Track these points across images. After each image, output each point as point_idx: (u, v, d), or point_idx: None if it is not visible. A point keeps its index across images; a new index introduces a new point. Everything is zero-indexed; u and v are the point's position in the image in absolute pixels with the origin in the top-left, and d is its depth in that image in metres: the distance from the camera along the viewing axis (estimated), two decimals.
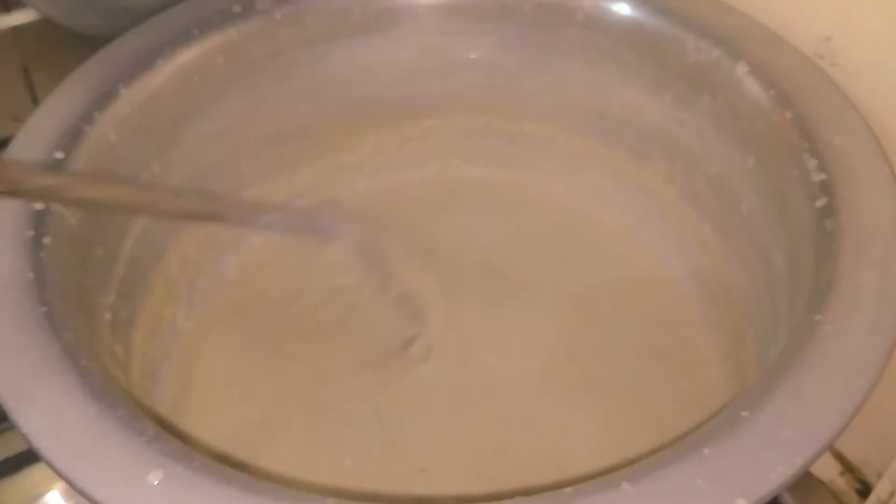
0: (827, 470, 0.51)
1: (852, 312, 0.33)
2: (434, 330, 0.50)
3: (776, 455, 0.29)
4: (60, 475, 0.30)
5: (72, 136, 0.44)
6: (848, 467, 0.50)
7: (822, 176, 0.39)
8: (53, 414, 0.31)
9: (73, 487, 0.29)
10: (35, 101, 0.64)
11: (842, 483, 0.50)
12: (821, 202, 0.38)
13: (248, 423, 0.49)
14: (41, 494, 0.46)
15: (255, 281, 0.57)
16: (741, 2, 0.49)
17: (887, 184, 0.38)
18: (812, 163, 0.40)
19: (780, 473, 0.28)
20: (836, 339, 0.32)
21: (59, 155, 0.43)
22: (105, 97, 0.46)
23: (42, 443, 0.30)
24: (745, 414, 0.30)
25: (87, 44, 0.50)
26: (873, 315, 0.33)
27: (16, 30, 0.64)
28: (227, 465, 0.30)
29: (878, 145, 0.40)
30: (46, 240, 0.39)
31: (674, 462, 0.29)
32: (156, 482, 0.29)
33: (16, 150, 0.43)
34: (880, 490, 0.46)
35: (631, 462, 0.29)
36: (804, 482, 0.49)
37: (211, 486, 0.29)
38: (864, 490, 0.50)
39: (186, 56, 0.50)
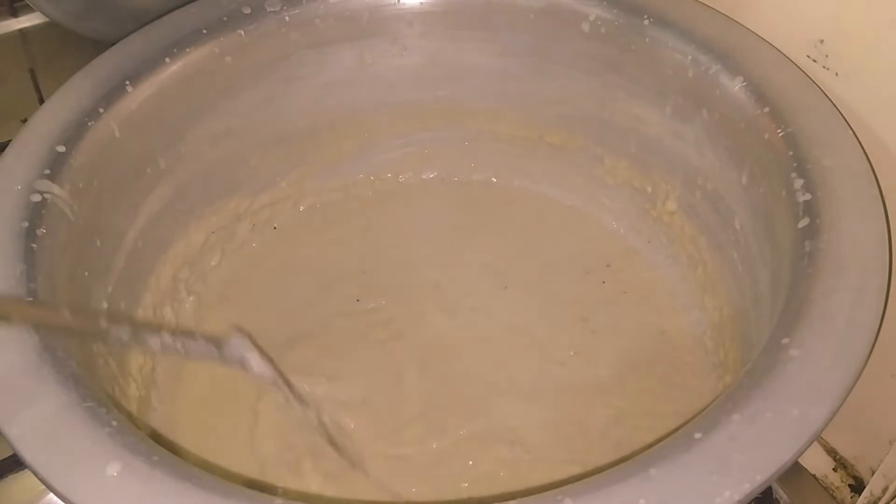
0: (820, 466, 0.50)
1: (820, 338, 0.33)
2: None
3: (725, 479, 0.29)
4: (23, 461, 0.31)
5: (75, 131, 0.45)
6: (841, 463, 0.50)
7: (807, 196, 0.38)
8: (22, 402, 0.32)
9: (34, 474, 0.30)
10: (42, 103, 0.66)
11: (835, 479, 0.50)
12: (803, 223, 0.37)
13: (245, 418, 0.49)
14: (42, 494, 0.45)
15: (256, 279, 0.57)
16: (735, 7, 0.48)
17: (873, 206, 0.37)
18: (798, 182, 0.39)
19: (726, 499, 0.28)
20: (800, 365, 0.32)
21: (60, 149, 0.44)
22: (111, 94, 0.47)
23: (10, 430, 0.31)
24: (698, 436, 0.30)
25: (93, 47, 0.51)
26: (841, 342, 0.32)
27: (23, 33, 0.65)
28: (195, 461, 0.31)
29: (868, 167, 0.39)
30: (41, 231, 0.40)
31: (619, 481, 0.29)
32: (114, 474, 0.30)
33: (20, 143, 0.44)
34: (874, 486, 0.45)
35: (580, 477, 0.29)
36: (797, 477, 0.49)
37: (167, 480, 0.30)
38: (857, 486, 0.49)
39: (195, 55, 0.51)
